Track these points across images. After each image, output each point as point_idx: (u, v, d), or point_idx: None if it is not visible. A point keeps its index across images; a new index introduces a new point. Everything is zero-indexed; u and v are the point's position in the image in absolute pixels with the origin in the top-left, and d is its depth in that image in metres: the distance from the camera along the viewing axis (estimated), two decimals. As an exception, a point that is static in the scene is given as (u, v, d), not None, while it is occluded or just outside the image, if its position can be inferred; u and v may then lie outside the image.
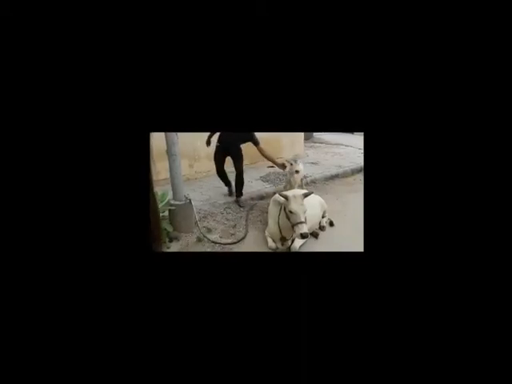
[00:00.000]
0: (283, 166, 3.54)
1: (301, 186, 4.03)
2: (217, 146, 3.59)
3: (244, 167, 3.89)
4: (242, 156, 3.60)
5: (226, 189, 3.94)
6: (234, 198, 3.78)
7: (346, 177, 4.96)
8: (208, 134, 3.64)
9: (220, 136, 3.55)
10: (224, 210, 3.61)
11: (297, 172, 3.55)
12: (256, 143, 3.51)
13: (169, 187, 3.15)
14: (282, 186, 4.12)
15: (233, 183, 3.80)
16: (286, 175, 3.61)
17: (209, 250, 2.87)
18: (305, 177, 4.02)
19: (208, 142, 3.62)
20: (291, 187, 3.73)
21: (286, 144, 5.60)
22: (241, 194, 3.76)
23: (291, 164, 3.54)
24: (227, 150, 3.56)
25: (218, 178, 3.83)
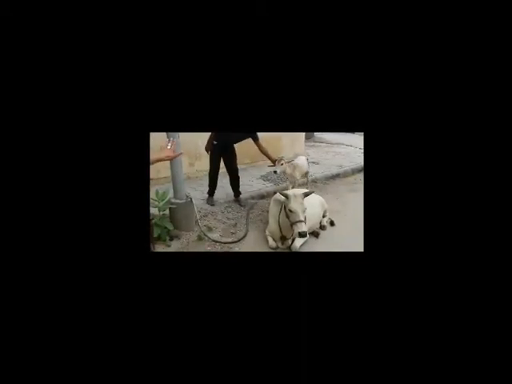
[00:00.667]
0: (275, 162, 3.51)
1: (306, 184, 4.04)
2: (214, 145, 3.46)
3: (245, 166, 3.88)
4: (236, 155, 3.58)
5: (227, 188, 3.90)
6: (210, 205, 3.65)
7: (347, 176, 4.97)
8: (208, 137, 3.50)
9: (217, 134, 3.43)
10: (225, 208, 3.61)
11: (289, 164, 3.55)
12: (256, 138, 3.49)
13: (170, 186, 3.16)
14: (284, 185, 4.13)
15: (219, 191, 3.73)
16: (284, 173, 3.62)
17: (209, 248, 2.87)
18: (306, 173, 4.01)
19: (209, 147, 3.48)
20: (292, 183, 3.76)
21: (287, 143, 5.60)
22: (239, 193, 3.75)
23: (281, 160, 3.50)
24: (224, 149, 3.50)
25: (219, 177, 3.73)
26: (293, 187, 3.74)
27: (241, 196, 3.77)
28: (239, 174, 3.68)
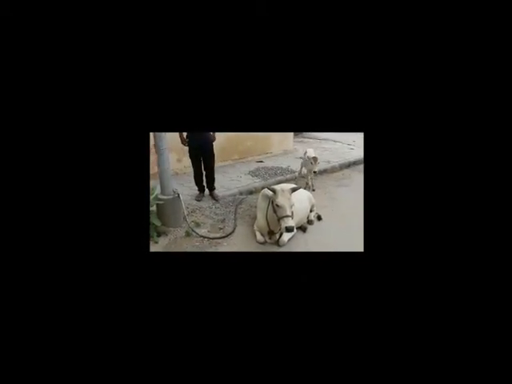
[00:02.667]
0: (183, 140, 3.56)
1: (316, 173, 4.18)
2: (192, 148, 3.50)
3: (233, 162, 3.86)
4: (214, 155, 3.61)
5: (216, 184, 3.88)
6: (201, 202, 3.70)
7: (334, 172, 5.01)
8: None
9: (190, 137, 3.46)
10: (213, 204, 3.61)
11: (315, 160, 3.87)
12: None
13: (157, 182, 3.14)
14: (273, 180, 4.16)
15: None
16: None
17: (197, 244, 2.88)
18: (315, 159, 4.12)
19: (183, 140, 3.53)
20: (310, 174, 4.04)
21: (276, 139, 5.61)
22: (214, 188, 3.76)
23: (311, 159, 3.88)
24: (201, 149, 3.51)
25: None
26: (308, 183, 4.03)
27: (215, 191, 3.77)
28: (226, 170, 3.68)
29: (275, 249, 2.79)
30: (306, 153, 4.15)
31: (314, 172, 3.92)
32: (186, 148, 3.58)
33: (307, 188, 4.00)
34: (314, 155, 3.95)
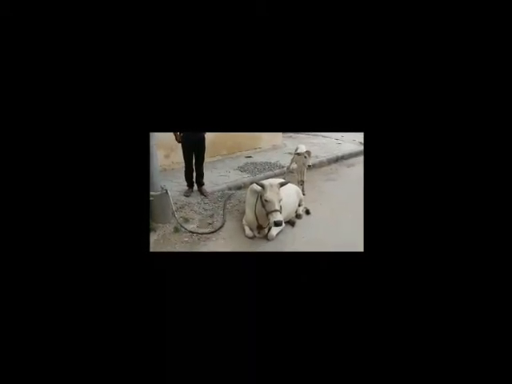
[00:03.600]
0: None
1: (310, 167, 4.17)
2: (184, 142, 3.51)
3: (221, 157, 3.85)
4: (205, 149, 3.62)
5: (205, 178, 3.86)
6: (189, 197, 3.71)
7: (323, 166, 5.05)
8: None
9: (185, 134, 3.47)
10: (201, 200, 3.61)
11: (308, 154, 3.82)
12: None
13: (145, 178, 3.11)
14: (261, 175, 4.17)
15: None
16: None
17: (186, 239, 2.88)
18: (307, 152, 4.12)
19: (178, 138, 3.54)
20: (300, 169, 3.97)
21: (265, 135, 5.62)
22: (203, 183, 3.77)
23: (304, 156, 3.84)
24: (195, 145, 3.52)
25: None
26: (301, 179, 3.96)
27: (204, 186, 3.77)
28: (215, 166, 3.67)
29: (264, 243, 2.81)
30: (297, 149, 4.15)
31: (309, 166, 3.88)
32: (175, 144, 3.56)
33: (299, 184, 4.00)
34: (306, 149, 3.96)
